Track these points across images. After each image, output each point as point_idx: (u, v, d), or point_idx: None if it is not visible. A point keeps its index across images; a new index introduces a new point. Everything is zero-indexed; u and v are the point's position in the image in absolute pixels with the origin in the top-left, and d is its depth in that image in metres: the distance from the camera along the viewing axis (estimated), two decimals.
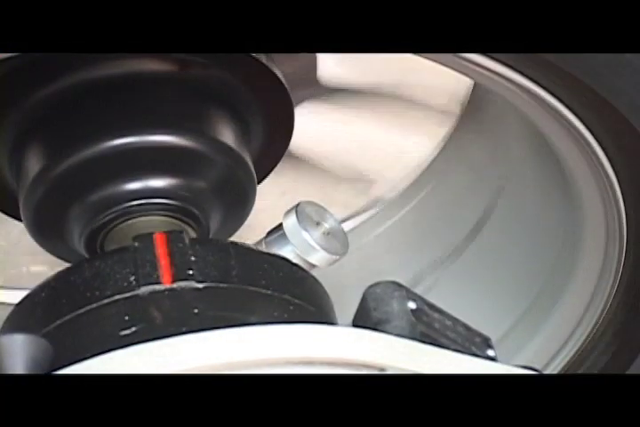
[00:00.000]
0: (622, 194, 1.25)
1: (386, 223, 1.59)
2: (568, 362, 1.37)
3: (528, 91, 1.21)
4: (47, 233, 1.30)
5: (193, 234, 1.25)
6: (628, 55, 1.16)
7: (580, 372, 1.37)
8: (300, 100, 1.43)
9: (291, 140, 1.41)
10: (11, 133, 1.30)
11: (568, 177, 1.31)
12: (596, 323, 1.36)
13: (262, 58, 1.32)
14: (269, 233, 1.27)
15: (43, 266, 1.40)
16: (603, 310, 1.34)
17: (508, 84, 1.22)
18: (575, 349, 1.35)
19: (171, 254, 1.16)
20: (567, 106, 1.20)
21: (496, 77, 1.21)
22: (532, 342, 1.38)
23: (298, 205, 1.26)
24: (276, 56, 1.36)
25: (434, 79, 1.36)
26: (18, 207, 1.31)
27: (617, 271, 1.31)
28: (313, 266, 1.25)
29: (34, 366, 1.04)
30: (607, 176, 1.24)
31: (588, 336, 1.36)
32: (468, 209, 1.56)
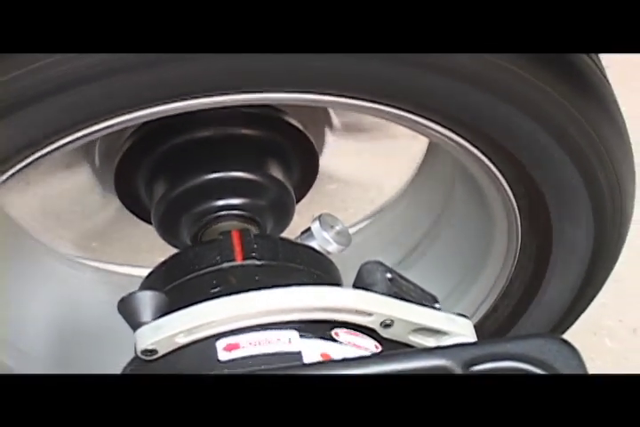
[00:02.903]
0: (519, 212, 1.22)
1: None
2: (482, 316, 1.35)
3: (464, 147, 1.16)
4: (167, 232, 1.29)
5: (255, 232, 1.24)
6: (526, 125, 1.10)
7: (490, 321, 1.34)
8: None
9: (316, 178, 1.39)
10: (145, 170, 1.30)
11: (486, 201, 1.28)
12: (499, 294, 1.33)
13: (299, 126, 1.31)
14: (302, 232, 1.28)
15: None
16: (504, 286, 1.31)
17: (452, 143, 1.16)
18: (487, 307, 1.34)
19: (241, 243, 1.16)
20: (487, 157, 1.16)
21: (444, 138, 1.15)
22: (461, 303, 1.36)
23: (320, 215, 1.27)
24: (307, 121, 1.33)
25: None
26: (149, 215, 1.31)
27: (513, 261, 1.28)
28: (329, 253, 1.25)
29: (157, 311, 1.03)
30: (509, 200, 1.21)
31: (493, 303, 1.34)
32: (420, 221, 1.54)
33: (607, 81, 1.15)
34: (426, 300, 1.07)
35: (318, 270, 1.16)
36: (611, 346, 1.65)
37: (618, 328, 1.67)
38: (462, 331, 1.02)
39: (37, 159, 1.06)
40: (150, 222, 1.31)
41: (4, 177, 1.07)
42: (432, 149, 1.43)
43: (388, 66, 1.03)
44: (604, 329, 1.65)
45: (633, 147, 1.19)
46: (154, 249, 1.34)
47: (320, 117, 1.38)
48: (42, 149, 1.05)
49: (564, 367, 0.84)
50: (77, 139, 1.05)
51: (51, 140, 1.04)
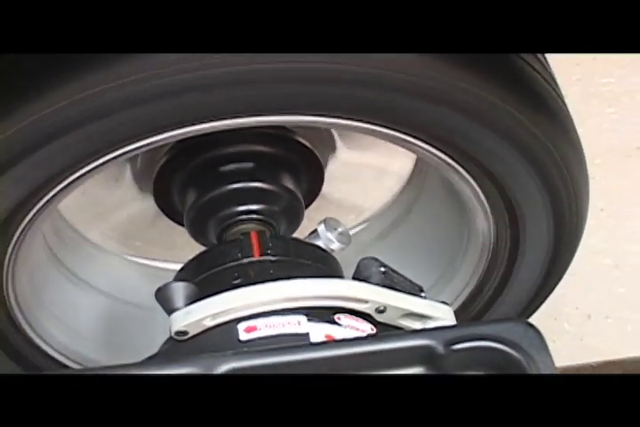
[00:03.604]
0: (492, 214, 1.21)
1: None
2: (461, 303, 1.34)
3: (444, 161, 1.15)
4: (197, 232, 1.28)
5: (270, 233, 1.24)
6: (496, 143, 1.09)
7: (467, 307, 1.33)
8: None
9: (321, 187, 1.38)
10: (178, 182, 1.30)
11: (462, 201, 1.25)
12: (477, 283, 1.31)
13: (307, 144, 1.30)
14: (310, 233, 1.27)
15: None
16: (480, 275, 1.29)
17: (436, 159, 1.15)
18: (466, 293, 1.32)
19: (259, 242, 1.16)
20: (464, 169, 1.15)
21: (428, 154, 1.15)
22: (444, 292, 1.34)
23: (325, 219, 1.27)
24: (314, 140, 1.33)
25: None
26: (182, 219, 1.30)
27: (488, 253, 1.27)
28: (332, 250, 1.24)
29: (188, 299, 1.03)
30: (481, 201, 1.19)
31: (472, 291, 1.32)
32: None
33: (563, 101, 1.15)
34: (413, 289, 1.06)
35: (323, 265, 1.15)
36: (568, 329, 1.64)
37: (575, 314, 1.66)
38: (444, 316, 1.02)
39: (92, 170, 1.07)
40: (183, 225, 1.30)
41: (66, 183, 1.07)
42: (418, 171, 1.43)
43: (383, 95, 1.03)
44: (563, 315, 1.64)
45: None
46: (185, 247, 1.33)
47: (325, 137, 1.37)
48: (96, 160, 1.06)
49: (529, 347, 0.84)
50: (124, 153, 1.06)
51: (104, 153, 1.05)
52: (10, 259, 1.14)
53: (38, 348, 1.28)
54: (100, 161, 1.06)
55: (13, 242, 1.12)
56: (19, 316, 1.23)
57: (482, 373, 0.84)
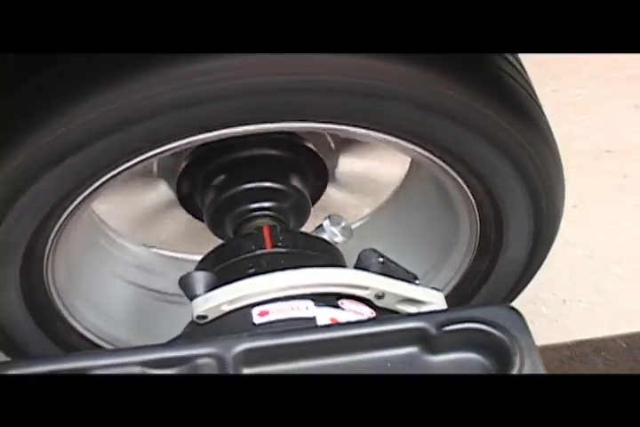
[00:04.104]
0: (479, 213, 1.20)
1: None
2: (452, 288, 1.32)
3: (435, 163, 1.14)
4: (215, 227, 1.27)
5: (281, 227, 1.23)
6: (482, 148, 1.08)
7: (456, 293, 1.31)
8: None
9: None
10: (199, 182, 1.28)
11: (452, 200, 1.24)
12: (464, 272, 1.30)
13: (314, 148, 1.29)
14: (316, 228, 1.26)
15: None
16: (468, 264, 1.28)
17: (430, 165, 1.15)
18: (456, 280, 1.31)
19: (270, 236, 1.15)
20: (454, 169, 1.14)
21: (422, 158, 1.14)
22: (436, 280, 1.32)
23: (329, 215, 1.26)
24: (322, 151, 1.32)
25: None
26: (202, 215, 1.29)
27: (475, 246, 1.26)
28: (336, 243, 1.23)
29: (207, 286, 1.03)
30: (469, 201, 1.19)
31: (460, 279, 1.31)
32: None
33: (542, 111, 1.14)
34: (409, 277, 1.05)
35: (328, 256, 1.14)
36: (545, 312, 1.63)
37: (551, 299, 1.65)
38: (436, 301, 1.02)
39: (122, 172, 1.06)
40: (203, 220, 1.29)
41: (100, 182, 1.06)
42: (412, 172, 1.42)
43: (382, 105, 1.02)
44: (541, 300, 1.63)
45: None
46: (205, 240, 1.32)
47: (328, 142, 1.36)
48: (128, 161, 1.05)
49: (512, 328, 0.84)
50: (150, 157, 1.05)
51: (133, 156, 1.04)
52: (50, 250, 1.14)
53: (74, 329, 1.28)
54: (130, 163, 1.05)
55: (53, 235, 1.12)
56: (57, 301, 1.22)
57: (472, 354, 0.84)
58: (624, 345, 1.57)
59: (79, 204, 1.08)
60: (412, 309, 1.01)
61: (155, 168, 1.35)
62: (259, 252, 1.12)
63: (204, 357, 0.81)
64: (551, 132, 1.16)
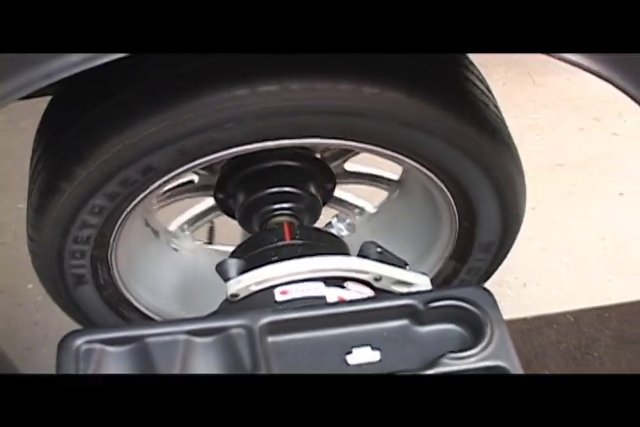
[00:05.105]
0: (457, 210, 1.17)
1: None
2: (435, 274, 1.29)
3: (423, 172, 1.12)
4: (245, 224, 1.25)
5: (297, 224, 1.20)
6: (458, 158, 1.05)
7: (440, 277, 1.28)
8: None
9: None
10: (231, 188, 1.26)
11: (435, 200, 1.21)
12: (445, 260, 1.27)
13: (325, 160, 1.27)
14: (326, 224, 1.24)
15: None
16: (450, 253, 1.26)
17: (417, 172, 1.13)
18: (439, 266, 1.29)
19: (289, 230, 1.14)
20: (438, 177, 1.12)
21: (411, 168, 1.12)
22: (423, 266, 1.29)
23: (337, 214, 1.24)
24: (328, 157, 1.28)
25: None
26: (234, 215, 1.27)
27: (454, 239, 1.23)
28: (342, 237, 1.21)
29: (239, 271, 1.00)
30: (449, 202, 1.17)
31: (443, 265, 1.28)
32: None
33: (508, 131, 1.13)
34: (401, 264, 1.04)
35: (336, 247, 1.12)
36: (510, 293, 1.63)
37: (514, 283, 1.64)
38: (423, 283, 1.00)
39: (173, 177, 1.05)
40: (235, 218, 1.28)
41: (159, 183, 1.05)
42: (404, 178, 1.39)
43: (379, 125, 1.01)
44: (505, 283, 1.62)
45: None
46: (236, 234, 1.30)
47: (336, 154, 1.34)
48: (176, 169, 1.04)
49: (485, 305, 0.83)
50: (195, 166, 1.04)
51: (186, 163, 1.03)
52: (114, 238, 1.14)
53: (130, 303, 1.27)
54: (181, 169, 1.04)
55: (117, 226, 1.11)
56: (117, 279, 1.21)
57: (452, 326, 0.82)
58: (572, 319, 1.57)
59: (139, 201, 1.08)
60: (404, 289, 0.99)
61: (196, 179, 1.33)
62: (280, 243, 1.10)
63: (235, 327, 0.81)
64: (515, 147, 1.14)
